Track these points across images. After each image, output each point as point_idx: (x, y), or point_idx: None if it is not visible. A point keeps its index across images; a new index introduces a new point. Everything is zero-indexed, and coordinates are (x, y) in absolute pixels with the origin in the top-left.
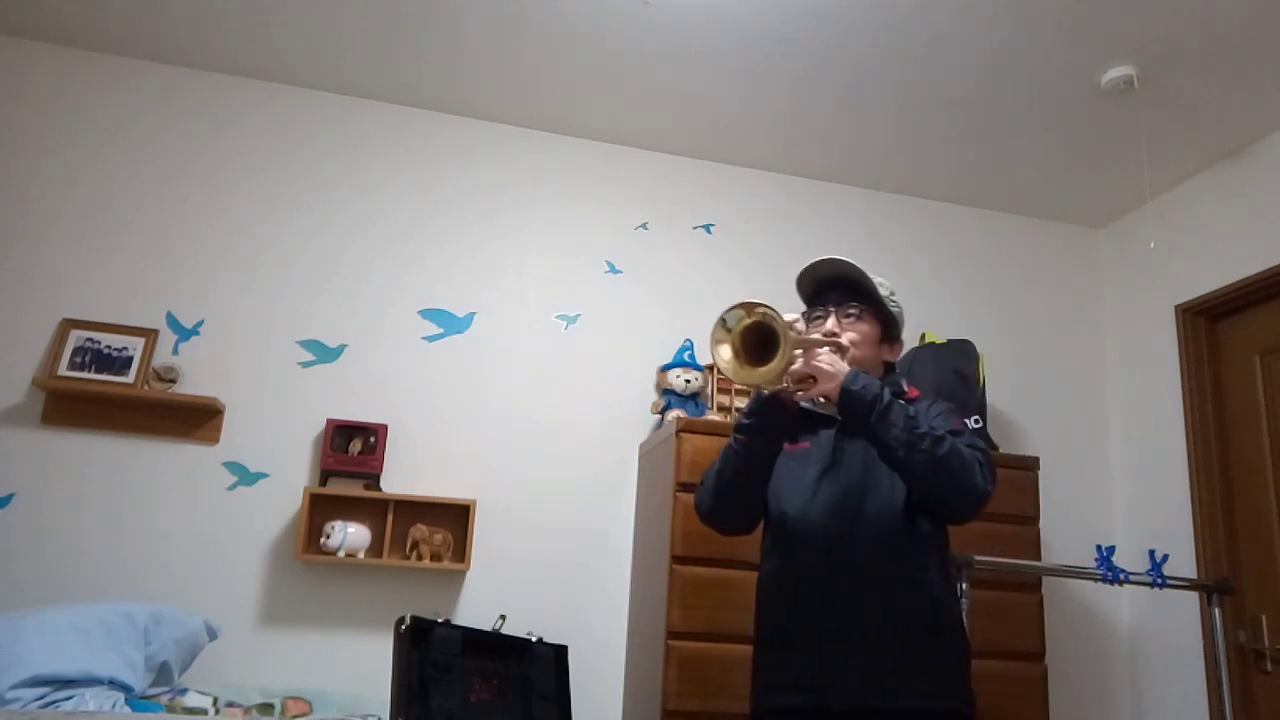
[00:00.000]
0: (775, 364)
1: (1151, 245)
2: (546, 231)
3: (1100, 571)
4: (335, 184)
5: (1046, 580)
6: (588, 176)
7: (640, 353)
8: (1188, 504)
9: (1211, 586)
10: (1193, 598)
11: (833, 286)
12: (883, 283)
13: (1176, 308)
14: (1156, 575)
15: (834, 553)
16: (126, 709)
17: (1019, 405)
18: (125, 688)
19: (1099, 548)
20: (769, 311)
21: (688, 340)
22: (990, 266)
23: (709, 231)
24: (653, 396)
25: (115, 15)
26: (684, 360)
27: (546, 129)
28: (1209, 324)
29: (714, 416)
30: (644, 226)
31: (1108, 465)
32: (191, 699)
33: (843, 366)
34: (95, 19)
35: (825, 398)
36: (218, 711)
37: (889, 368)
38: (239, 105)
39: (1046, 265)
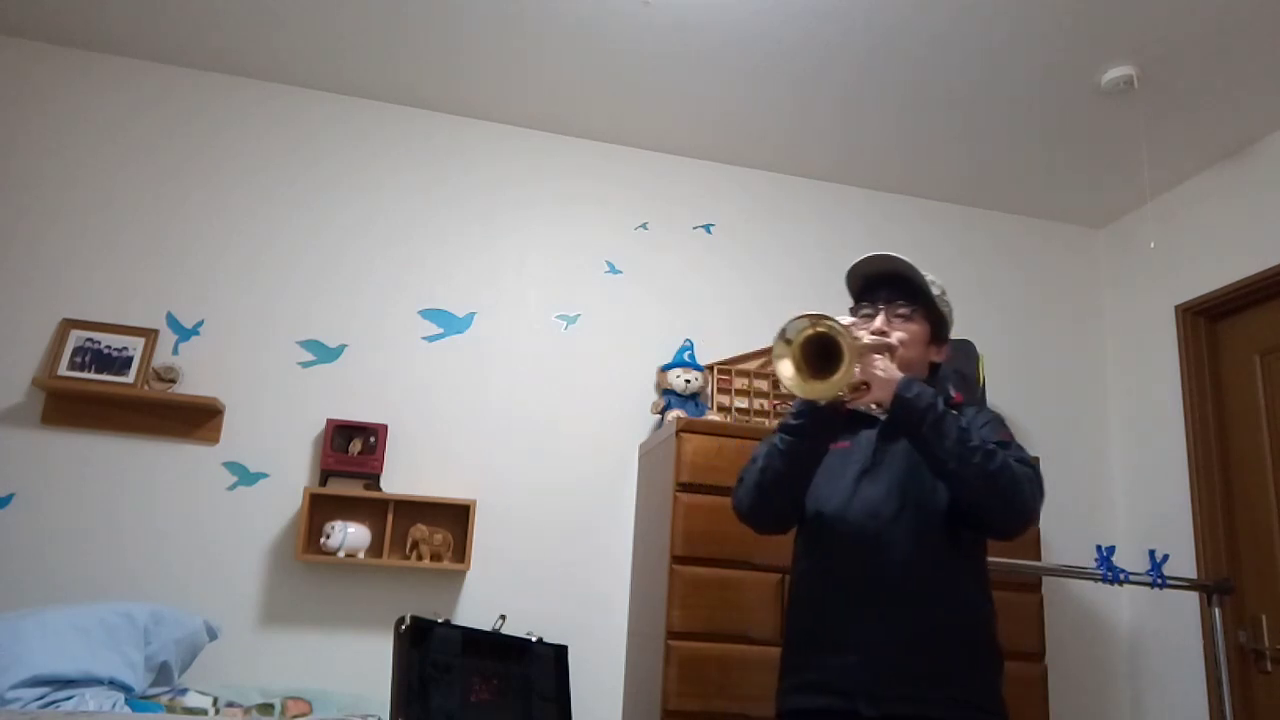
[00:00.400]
0: (840, 376)
1: (1151, 245)
2: (546, 231)
3: (1100, 571)
4: (335, 184)
5: (1046, 580)
6: (588, 176)
7: (640, 353)
8: (1188, 504)
9: (1211, 586)
10: (1193, 598)
11: (883, 283)
12: (934, 281)
13: (1176, 308)
14: (1156, 575)
15: (869, 555)
16: (126, 709)
17: (1019, 405)
18: (125, 688)
19: (1099, 548)
20: (834, 324)
21: (688, 340)
22: (990, 267)
23: (709, 231)
24: (653, 396)
25: (115, 15)
26: (684, 360)
27: (546, 129)
28: (1209, 324)
29: (714, 416)
30: (644, 226)
31: (1108, 465)
32: (191, 699)
33: (896, 373)
34: (95, 19)
35: (877, 404)
36: (218, 711)
37: (934, 368)
38: (239, 105)
39: (1046, 265)
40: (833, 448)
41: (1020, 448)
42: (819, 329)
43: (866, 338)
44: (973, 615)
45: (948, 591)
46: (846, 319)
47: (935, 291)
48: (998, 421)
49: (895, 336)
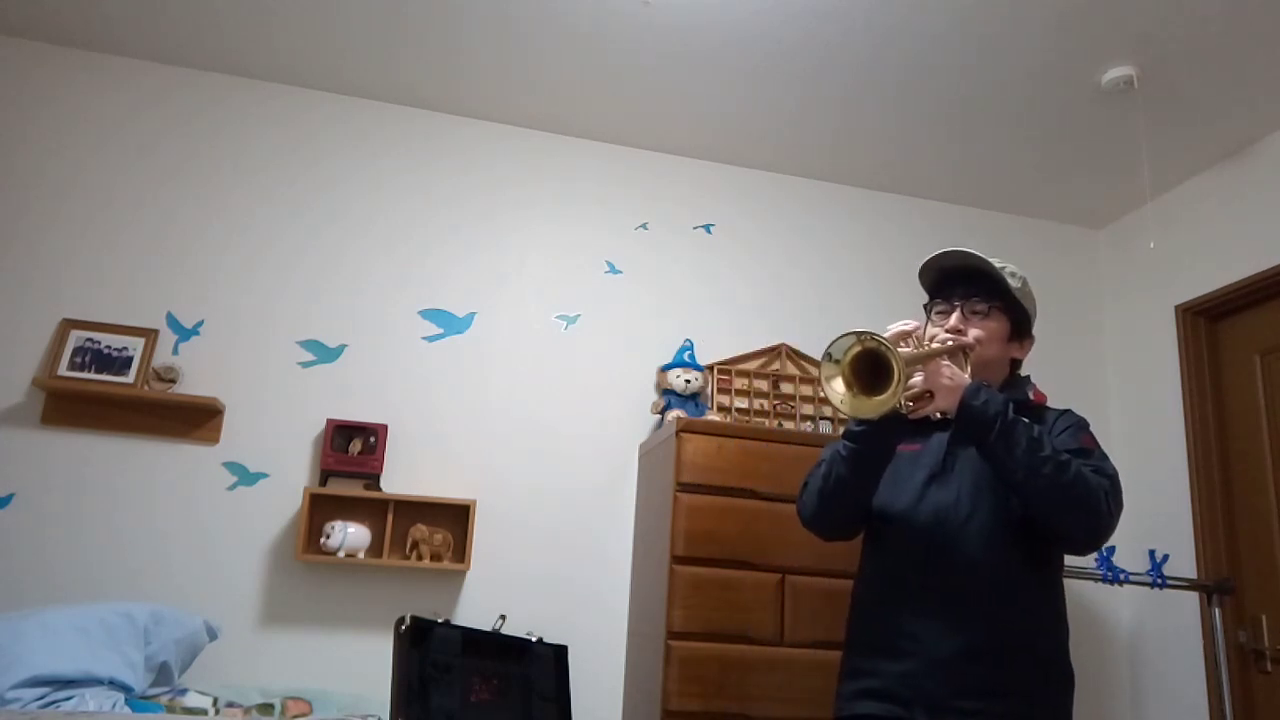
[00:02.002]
0: (890, 395)
1: (1151, 245)
2: (546, 231)
3: (1100, 571)
4: (335, 184)
5: None
6: (588, 176)
7: (640, 353)
8: (1188, 504)
9: (1211, 586)
10: (1193, 598)
11: (958, 279)
12: (1014, 272)
13: (1176, 308)
14: (1156, 575)
15: (934, 560)
16: (126, 709)
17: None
18: (125, 688)
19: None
20: (881, 339)
21: (688, 340)
22: None
23: (709, 231)
24: (653, 396)
25: (115, 15)
26: (684, 360)
27: (546, 129)
28: (1209, 324)
29: (714, 416)
30: (644, 226)
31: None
32: (191, 699)
33: (963, 379)
34: (95, 19)
35: (943, 413)
36: (218, 711)
37: (1015, 365)
38: (239, 105)
39: (1046, 265)
40: (903, 450)
41: (1103, 456)
42: (866, 345)
43: (940, 337)
44: (1042, 629)
45: (1015, 602)
46: (897, 327)
47: (1014, 284)
48: (1079, 427)
49: (972, 335)
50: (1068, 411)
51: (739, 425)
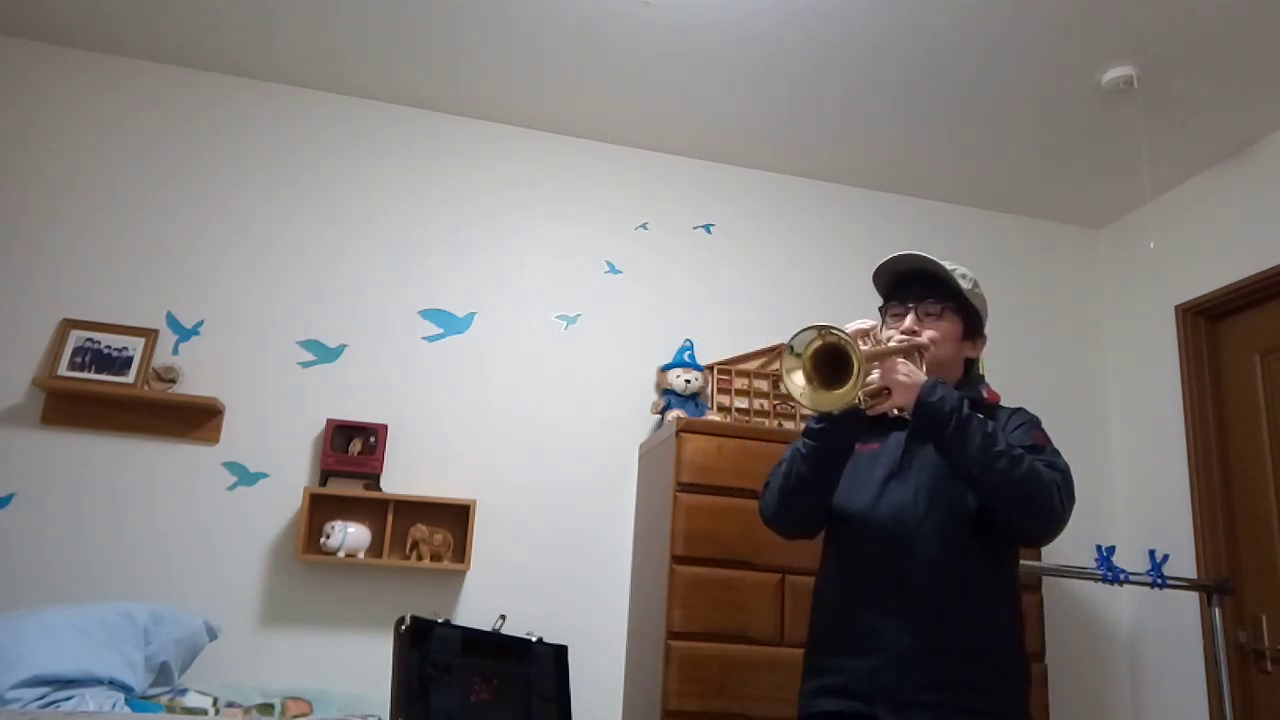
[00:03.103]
0: (850, 387)
1: (1151, 245)
2: (546, 231)
3: (1100, 571)
4: (335, 184)
5: (1046, 580)
6: (588, 176)
7: (640, 353)
8: (1188, 504)
9: (1211, 586)
10: (1193, 598)
11: (911, 281)
12: (965, 274)
13: (1176, 308)
14: (1156, 575)
15: (893, 558)
16: (126, 709)
17: (1019, 405)
18: (125, 688)
19: (1099, 548)
20: (842, 334)
21: (688, 340)
22: (990, 267)
23: (709, 231)
24: (653, 396)
25: (115, 15)
26: (684, 360)
27: (546, 129)
28: (1209, 324)
29: (714, 416)
30: (644, 226)
31: (1108, 465)
32: (191, 699)
33: (920, 377)
34: (95, 19)
35: (900, 410)
36: (218, 711)
37: (970, 365)
38: (239, 105)
39: (1046, 265)
40: (861, 449)
41: (1055, 452)
42: (827, 340)
43: (896, 338)
44: (999, 623)
45: (974, 597)
46: (855, 325)
47: (965, 286)
48: (1031, 424)
49: (926, 335)
50: (1020, 409)
51: (739, 425)
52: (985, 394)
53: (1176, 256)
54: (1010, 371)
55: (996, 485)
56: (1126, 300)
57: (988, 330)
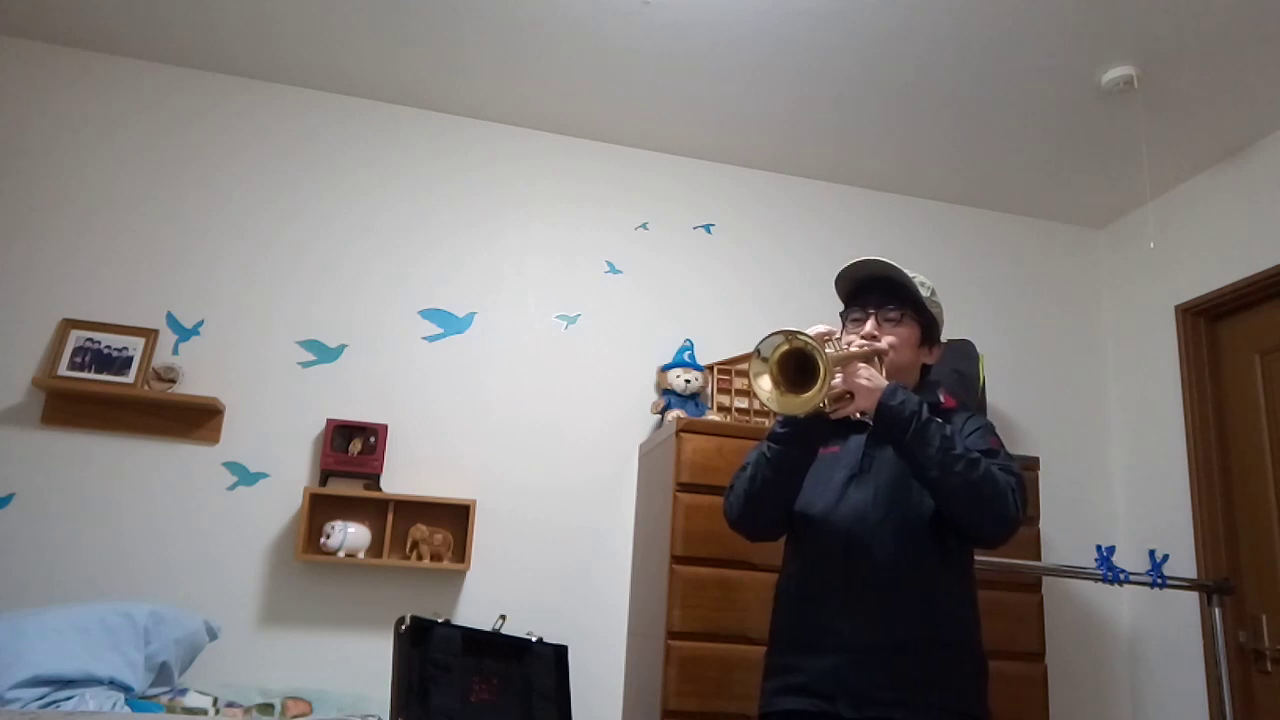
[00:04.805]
0: (815, 393)
1: (1151, 245)
2: (546, 231)
3: (1100, 571)
4: (335, 184)
5: (1046, 580)
6: (588, 176)
7: (640, 353)
8: (1188, 504)
9: (1211, 586)
10: (1193, 598)
11: (872, 287)
12: (924, 282)
13: (1176, 308)
14: (1156, 575)
15: (854, 558)
16: (126, 709)
17: (1019, 405)
18: (125, 688)
19: (1099, 548)
20: (808, 339)
21: (688, 340)
22: (990, 267)
23: (709, 231)
24: (653, 396)
25: (115, 15)
26: (684, 360)
27: (546, 129)
28: (1209, 324)
29: (714, 416)
30: (644, 226)
31: (1108, 465)
32: (191, 699)
33: (881, 381)
34: (95, 19)
35: (862, 413)
36: (218, 711)
37: (925, 370)
38: (239, 105)
39: (1046, 266)
40: (823, 452)
41: (1008, 456)
42: (794, 344)
43: (857, 343)
44: (958, 621)
45: (932, 596)
46: (818, 329)
47: (924, 293)
48: (987, 429)
49: (885, 341)
50: (975, 414)
51: (739, 425)
52: (942, 398)
53: (1176, 256)
54: (1010, 371)
55: (955, 487)
56: (1126, 300)
57: (989, 329)
